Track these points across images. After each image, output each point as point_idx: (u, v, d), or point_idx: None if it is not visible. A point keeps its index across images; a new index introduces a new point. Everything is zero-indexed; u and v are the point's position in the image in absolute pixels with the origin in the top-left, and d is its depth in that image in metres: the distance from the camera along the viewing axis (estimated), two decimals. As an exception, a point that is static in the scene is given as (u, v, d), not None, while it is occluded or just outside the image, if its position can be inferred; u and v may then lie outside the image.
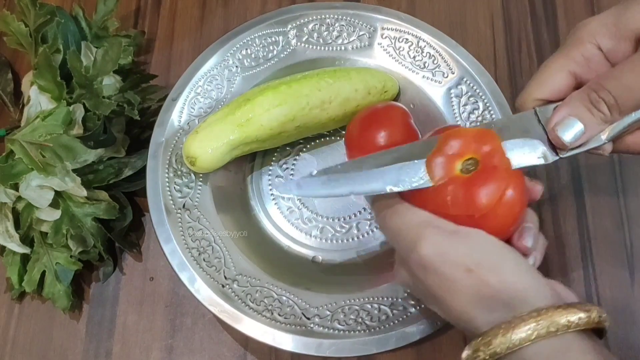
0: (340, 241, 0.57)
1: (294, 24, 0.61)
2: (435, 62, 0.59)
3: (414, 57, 0.60)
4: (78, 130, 0.54)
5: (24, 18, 0.58)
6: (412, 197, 0.42)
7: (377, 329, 0.49)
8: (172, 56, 0.66)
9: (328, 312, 0.50)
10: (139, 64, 0.66)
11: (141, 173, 0.57)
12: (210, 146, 0.52)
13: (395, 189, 0.41)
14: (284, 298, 0.51)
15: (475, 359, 0.37)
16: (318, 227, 0.57)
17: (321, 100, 0.55)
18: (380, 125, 0.53)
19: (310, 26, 0.61)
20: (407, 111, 0.56)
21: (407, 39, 0.60)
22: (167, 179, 0.54)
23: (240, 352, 0.55)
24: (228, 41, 0.60)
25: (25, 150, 0.52)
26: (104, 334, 0.56)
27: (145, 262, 0.58)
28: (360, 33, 0.61)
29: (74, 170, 0.53)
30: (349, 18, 0.61)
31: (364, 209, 0.58)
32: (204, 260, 0.52)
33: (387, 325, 0.49)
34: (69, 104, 0.54)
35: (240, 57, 0.60)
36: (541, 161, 0.42)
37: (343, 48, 0.61)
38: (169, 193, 0.54)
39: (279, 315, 0.50)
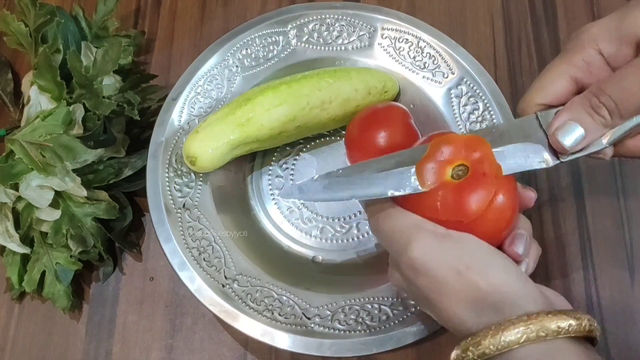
0: (340, 241, 0.57)
1: (294, 24, 0.61)
2: (435, 62, 0.59)
3: (414, 57, 0.60)
4: (78, 130, 0.54)
5: (24, 18, 0.58)
6: (404, 201, 0.42)
7: (378, 329, 0.49)
8: (172, 56, 0.66)
9: (328, 312, 0.50)
10: (139, 64, 0.66)
11: (141, 173, 0.57)
12: (211, 146, 0.52)
13: (397, 194, 0.41)
14: (284, 298, 0.51)
15: (464, 358, 0.37)
16: (318, 227, 0.57)
17: (321, 100, 0.55)
18: (381, 126, 0.53)
19: (310, 26, 0.61)
20: (407, 111, 0.56)
21: (407, 39, 0.60)
22: (167, 179, 0.54)
23: (240, 352, 0.55)
24: (228, 41, 0.60)
25: (25, 150, 0.52)
26: (104, 334, 0.56)
27: (145, 262, 0.58)
28: (361, 33, 0.61)
29: (74, 170, 0.53)
30: (349, 18, 0.61)
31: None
32: (204, 260, 0.52)
33: (387, 325, 0.49)
34: (69, 104, 0.54)
35: (241, 56, 0.60)
36: (542, 165, 0.42)
37: (343, 48, 0.61)
38: (169, 193, 0.54)
39: (280, 315, 0.50)
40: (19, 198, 0.54)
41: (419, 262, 0.39)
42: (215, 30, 0.67)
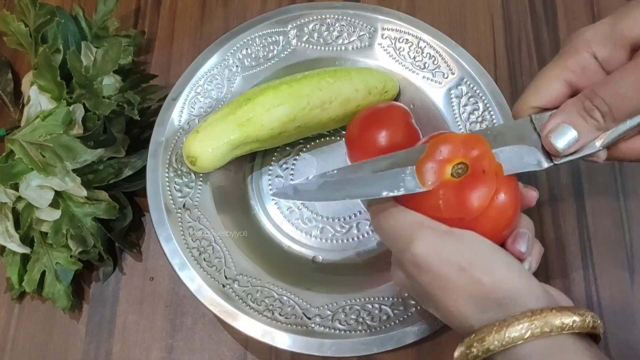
0: (340, 241, 0.57)
1: (294, 24, 0.61)
2: (435, 62, 0.59)
3: (414, 57, 0.60)
4: (78, 130, 0.54)
5: (24, 18, 0.58)
6: (406, 200, 0.42)
7: (378, 328, 0.49)
8: (172, 56, 0.66)
9: (329, 312, 0.50)
10: (139, 64, 0.66)
11: (141, 173, 0.57)
12: (211, 146, 0.52)
13: (391, 194, 0.42)
14: (285, 298, 0.51)
15: (468, 355, 0.37)
16: (318, 227, 0.57)
17: (322, 100, 0.55)
18: (381, 125, 0.53)
19: (310, 26, 0.61)
20: (408, 111, 0.56)
21: (407, 40, 0.60)
22: (167, 179, 0.54)
23: (240, 352, 0.55)
24: (228, 41, 0.60)
25: (25, 150, 0.52)
26: (104, 334, 0.56)
27: (145, 262, 0.58)
28: (361, 33, 0.61)
29: (74, 170, 0.53)
30: (349, 18, 0.61)
31: (364, 209, 0.58)
32: (204, 260, 0.52)
33: (388, 325, 0.49)
34: (69, 104, 0.54)
35: (241, 56, 0.60)
36: (536, 168, 0.42)
37: (343, 48, 0.61)
38: (169, 193, 0.54)
39: (280, 315, 0.50)
40: (19, 198, 0.54)
41: (422, 258, 0.39)
42: (215, 30, 0.67)
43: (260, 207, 0.58)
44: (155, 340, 0.56)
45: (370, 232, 0.57)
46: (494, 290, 0.37)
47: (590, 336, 0.38)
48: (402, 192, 0.41)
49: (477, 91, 0.57)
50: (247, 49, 0.60)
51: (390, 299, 0.51)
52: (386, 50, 0.60)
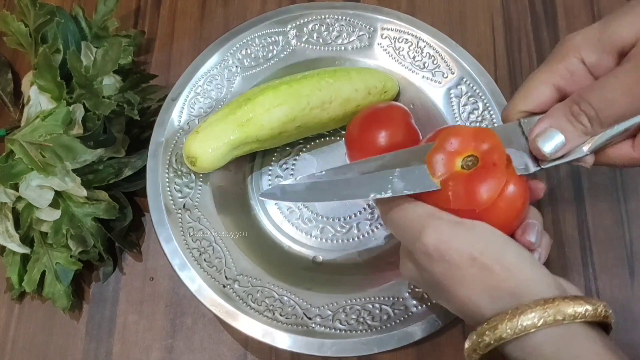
0: (340, 241, 0.57)
1: (294, 24, 0.61)
2: (435, 62, 0.59)
3: (414, 57, 0.60)
4: (78, 130, 0.54)
5: (24, 18, 0.58)
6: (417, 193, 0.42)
7: (379, 328, 0.49)
8: (172, 56, 0.66)
9: (329, 312, 0.50)
10: (139, 64, 0.66)
11: (141, 173, 0.57)
12: (211, 146, 0.52)
13: (378, 196, 0.42)
14: (285, 298, 0.51)
15: (480, 343, 0.37)
16: (318, 227, 0.57)
17: (321, 100, 0.55)
18: (381, 125, 0.53)
19: (310, 26, 0.61)
20: (407, 111, 0.56)
21: (406, 39, 0.60)
22: (167, 179, 0.54)
23: (240, 352, 0.55)
24: (228, 41, 0.60)
25: (25, 150, 0.52)
26: (104, 334, 0.56)
27: (145, 262, 0.58)
28: (360, 33, 0.61)
29: (74, 170, 0.53)
30: (348, 18, 0.61)
31: (364, 209, 0.58)
32: (204, 260, 0.52)
33: (388, 325, 0.49)
34: (69, 104, 0.54)
35: (240, 57, 0.60)
36: (523, 172, 0.42)
37: (343, 48, 0.61)
38: (169, 193, 0.54)
39: (280, 315, 0.50)
40: (19, 198, 0.54)
41: (433, 248, 0.39)
42: (215, 30, 0.67)
43: (261, 207, 0.58)
44: (155, 340, 0.56)
45: (371, 232, 0.57)
46: (506, 279, 0.38)
47: (600, 326, 0.38)
48: (389, 194, 0.42)
49: (477, 91, 0.58)
50: (246, 49, 0.60)
51: (391, 298, 0.51)
52: (386, 50, 0.60)
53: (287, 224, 0.57)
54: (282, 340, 0.49)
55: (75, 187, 0.53)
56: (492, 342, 0.37)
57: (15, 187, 0.53)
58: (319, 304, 0.51)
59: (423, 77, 0.59)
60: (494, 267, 0.38)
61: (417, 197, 0.42)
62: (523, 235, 0.42)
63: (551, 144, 0.40)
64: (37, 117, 0.53)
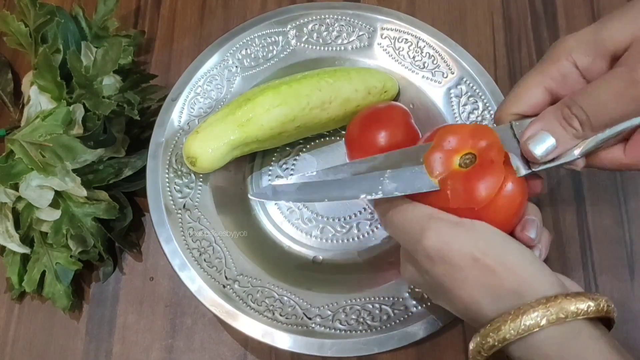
0: (340, 241, 0.57)
1: (294, 24, 0.61)
2: (434, 62, 0.59)
3: (414, 57, 0.60)
4: (78, 130, 0.54)
5: (24, 18, 0.58)
6: (413, 194, 0.42)
7: (379, 328, 0.49)
8: (172, 56, 0.66)
9: (329, 312, 0.50)
10: (139, 64, 0.66)
11: (141, 173, 0.57)
12: (211, 146, 0.52)
13: (369, 197, 0.42)
14: (285, 298, 0.51)
15: (484, 345, 0.37)
16: (318, 227, 0.57)
17: (321, 100, 0.55)
18: (381, 125, 0.53)
19: (310, 26, 0.61)
20: (407, 111, 0.56)
21: (406, 39, 0.60)
22: (167, 179, 0.54)
23: (240, 352, 0.55)
24: (228, 41, 0.60)
25: (25, 150, 0.52)
26: (104, 334, 0.56)
27: (145, 262, 0.58)
28: (360, 33, 0.61)
29: (74, 170, 0.53)
30: (348, 18, 0.61)
31: (364, 208, 0.58)
32: (204, 260, 0.52)
33: (388, 325, 0.49)
34: (69, 104, 0.54)
35: (240, 57, 0.60)
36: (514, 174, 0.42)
37: (343, 48, 0.61)
38: (169, 193, 0.54)
39: (280, 315, 0.50)
40: (19, 198, 0.54)
41: (434, 250, 0.39)
42: (215, 30, 0.67)
43: (261, 208, 0.58)
44: (155, 340, 0.56)
45: (371, 232, 0.57)
46: (508, 278, 0.38)
47: (602, 321, 0.38)
48: (380, 195, 0.42)
49: (477, 90, 0.58)
50: (246, 49, 0.60)
51: (391, 298, 0.51)
52: (385, 50, 0.60)
53: (287, 224, 0.57)
54: (282, 340, 0.49)
55: (75, 187, 0.53)
56: (496, 343, 0.37)
57: (15, 187, 0.53)
58: (319, 304, 0.51)
59: (423, 77, 0.59)
60: (495, 267, 0.38)
61: (416, 198, 0.42)
62: (523, 232, 0.42)
63: (542, 146, 0.40)
64: (37, 117, 0.53)
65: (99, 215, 0.55)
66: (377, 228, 0.57)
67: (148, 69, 0.66)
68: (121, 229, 0.57)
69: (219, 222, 0.54)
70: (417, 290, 0.50)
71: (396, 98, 0.60)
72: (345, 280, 0.54)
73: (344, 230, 0.57)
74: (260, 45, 0.60)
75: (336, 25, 0.61)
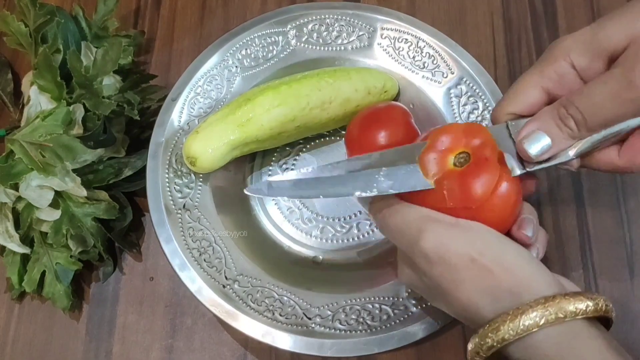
0: (340, 241, 0.57)
1: (294, 24, 0.61)
2: (434, 62, 0.59)
3: (414, 57, 0.60)
4: (78, 130, 0.54)
5: (24, 18, 0.58)
6: (409, 194, 0.42)
7: (379, 328, 0.49)
8: (172, 56, 0.66)
9: (329, 312, 0.50)
10: (139, 64, 0.66)
11: (141, 173, 0.57)
12: (211, 146, 0.52)
13: (364, 195, 0.42)
14: (285, 298, 0.51)
15: (483, 345, 0.37)
16: (318, 227, 0.57)
17: (321, 100, 0.55)
18: (381, 125, 0.53)
19: (309, 26, 0.61)
20: (407, 111, 0.56)
21: (406, 39, 0.60)
22: (167, 180, 0.54)
23: (240, 352, 0.55)
24: (227, 41, 0.60)
25: (25, 150, 0.52)
26: (104, 334, 0.56)
27: (145, 262, 0.58)
28: (360, 33, 0.61)
29: (74, 170, 0.53)
30: (348, 18, 0.61)
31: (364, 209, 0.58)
32: (204, 260, 0.52)
33: (388, 325, 0.49)
34: (69, 104, 0.54)
35: (240, 57, 0.60)
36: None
37: (343, 48, 0.61)
38: (169, 193, 0.54)
39: (280, 315, 0.50)
40: (19, 198, 0.54)
41: (432, 251, 0.39)
42: (215, 30, 0.67)
43: (261, 208, 0.58)
44: (155, 340, 0.56)
45: (371, 232, 0.57)
46: (506, 278, 0.38)
47: (601, 321, 0.38)
48: (374, 193, 0.42)
49: (477, 90, 0.58)
50: (246, 49, 0.60)
51: (391, 298, 0.51)
52: (385, 50, 0.60)
53: (287, 224, 0.57)
54: (282, 340, 0.49)
55: (75, 187, 0.53)
56: (494, 344, 0.37)
57: (15, 187, 0.53)
58: (318, 304, 0.51)
59: (423, 77, 0.59)
60: (493, 268, 0.38)
61: (412, 199, 0.42)
62: (519, 230, 0.42)
63: (537, 146, 0.40)
64: (37, 117, 0.53)
65: (99, 215, 0.55)
66: (377, 228, 0.57)
67: (148, 69, 0.66)
68: (121, 229, 0.57)
69: (219, 222, 0.54)
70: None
71: (396, 98, 0.60)
72: (345, 280, 0.54)
73: (344, 230, 0.57)
74: (260, 45, 0.60)
75: (336, 25, 0.61)
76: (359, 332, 0.49)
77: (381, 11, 0.61)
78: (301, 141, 0.60)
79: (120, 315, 0.57)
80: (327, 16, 0.61)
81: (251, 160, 0.60)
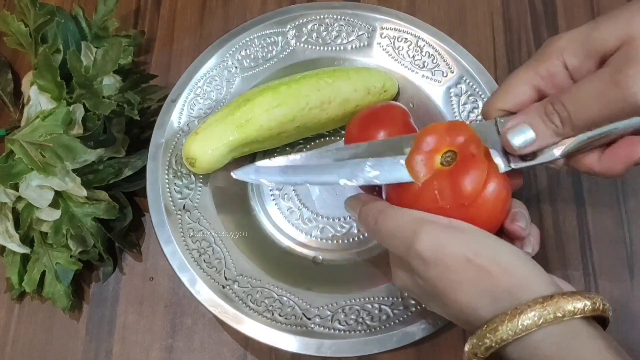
0: (340, 241, 0.57)
1: (293, 24, 0.61)
2: (434, 61, 0.59)
3: (413, 56, 0.60)
4: (78, 130, 0.54)
5: (24, 18, 0.58)
6: (399, 198, 0.43)
7: (378, 328, 0.49)
8: (172, 56, 0.66)
9: (329, 312, 0.50)
10: (139, 64, 0.66)
11: (141, 173, 0.57)
12: (210, 147, 0.52)
13: (349, 184, 0.43)
14: (285, 298, 0.51)
15: (481, 346, 0.37)
16: (318, 227, 0.57)
17: (320, 100, 0.55)
18: (380, 125, 0.53)
19: (309, 26, 0.61)
20: (406, 111, 0.56)
21: (406, 39, 0.60)
22: (167, 181, 0.54)
23: (240, 352, 0.55)
24: (227, 42, 0.60)
25: (25, 150, 0.52)
26: (104, 334, 0.56)
27: (145, 262, 0.58)
28: (360, 33, 0.61)
29: (74, 170, 0.53)
30: (348, 18, 0.61)
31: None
32: (204, 261, 0.52)
33: (387, 325, 0.49)
34: (69, 104, 0.54)
35: (240, 57, 0.60)
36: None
37: (342, 48, 0.61)
38: (169, 194, 0.54)
39: (280, 315, 0.50)
40: (19, 198, 0.54)
41: (428, 253, 0.39)
42: (215, 30, 0.67)
43: (261, 208, 0.58)
44: (155, 340, 0.56)
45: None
46: (503, 278, 0.38)
47: (597, 320, 0.38)
48: (360, 182, 0.43)
49: (477, 89, 0.57)
50: (246, 49, 0.60)
51: (390, 299, 0.51)
52: (385, 49, 0.60)
53: (287, 224, 0.57)
54: (282, 340, 0.49)
55: (75, 187, 0.53)
56: (493, 344, 0.37)
57: (15, 187, 0.53)
58: (318, 304, 0.51)
59: (423, 76, 0.59)
60: (490, 268, 0.38)
61: (402, 202, 0.42)
62: (513, 223, 0.42)
63: (521, 138, 0.40)
64: (37, 117, 0.53)
65: (99, 215, 0.55)
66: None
67: (148, 69, 0.66)
68: (121, 229, 0.57)
69: (218, 222, 0.54)
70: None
71: (396, 97, 0.60)
72: (345, 280, 0.54)
73: (344, 231, 0.57)
74: (260, 46, 0.60)
75: (335, 25, 0.61)
76: (358, 332, 0.49)
77: (381, 11, 0.61)
78: (301, 141, 0.60)
79: (120, 315, 0.57)
80: (326, 16, 0.61)
81: (251, 160, 0.59)
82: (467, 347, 0.38)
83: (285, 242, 0.57)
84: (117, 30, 0.63)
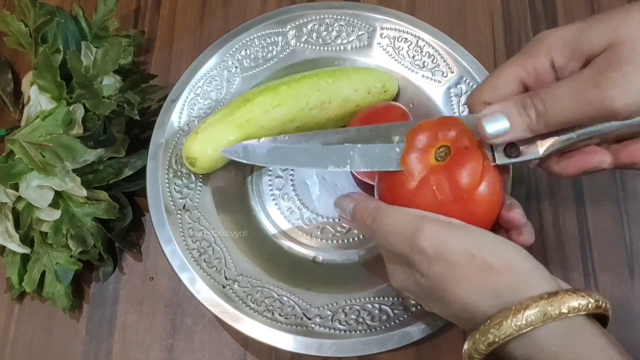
0: (340, 241, 0.57)
1: (293, 24, 0.61)
2: (434, 61, 0.59)
3: (413, 56, 0.60)
4: (78, 130, 0.54)
5: (24, 18, 0.58)
6: (394, 196, 0.43)
7: (378, 328, 0.49)
8: (172, 56, 0.66)
9: (329, 312, 0.50)
10: (139, 64, 0.66)
11: (141, 173, 0.57)
12: (210, 147, 0.52)
13: (336, 169, 0.44)
14: (285, 298, 0.51)
15: (484, 342, 0.37)
16: (318, 227, 0.57)
17: (321, 100, 0.55)
18: (380, 125, 0.53)
19: (309, 26, 0.61)
20: (406, 111, 0.56)
21: (406, 39, 0.60)
22: (167, 180, 0.54)
23: (240, 352, 0.55)
24: (227, 42, 0.60)
25: (25, 150, 0.52)
26: (104, 334, 0.56)
27: (145, 262, 0.58)
28: (360, 33, 0.61)
29: (74, 170, 0.53)
30: (348, 18, 0.61)
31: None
32: (204, 261, 0.52)
33: (388, 325, 0.49)
34: (69, 104, 0.54)
35: (240, 57, 0.60)
36: None
37: (342, 48, 0.61)
38: (169, 194, 0.54)
39: (280, 315, 0.50)
40: (19, 198, 0.54)
41: (432, 249, 0.39)
42: (215, 30, 0.67)
43: (261, 208, 0.58)
44: (155, 340, 0.56)
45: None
46: (506, 274, 0.38)
47: (596, 318, 0.38)
48: (347, 169, 0.44)
49: (477, 90, 0.57)
50: (246, 49, 0.60)
51: (390, 298, 0.51)
52: (385, 49, 0.60)
53: (287, 224, 0.57)
54: (282, 340, 0.49)
55: (75, 187, 0.53)
56: (496, 339, 0.36)
57: (15, 187, 0.53)
58: (318, 304, 0.51)
59: (423, 76, 0.59)
60: (493, 263, 0.38)
61: (398, 201, 0.42)
62: (510, 211, 0.42)
63: (495, 125, 0.40)
64: (37, 117, 0.53)
65: (99, 215, 0.55)
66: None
67: (148, 69, 0.66)
68: (121, 229, 0.57)
69: (218, 222, 0.54)
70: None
71: (396, 97, 0.60)
72: (345, 280, 0.54)
73: (344, 230, 0.57)
74: (260, 46, 0.60)
75: (336, 25, 0.61)
76: (358, 332, 0.49)
77: (381, 11, 0.61)
78: (301, 141, 0.60)
79: (120, 315, 0.57)
80: (326, 16, 0.61)
81: (251, 160, 0.60)
82: (466, 345, 0.38)
83: (285, 242, 0.57)
84: (117, 30, 0.63)
